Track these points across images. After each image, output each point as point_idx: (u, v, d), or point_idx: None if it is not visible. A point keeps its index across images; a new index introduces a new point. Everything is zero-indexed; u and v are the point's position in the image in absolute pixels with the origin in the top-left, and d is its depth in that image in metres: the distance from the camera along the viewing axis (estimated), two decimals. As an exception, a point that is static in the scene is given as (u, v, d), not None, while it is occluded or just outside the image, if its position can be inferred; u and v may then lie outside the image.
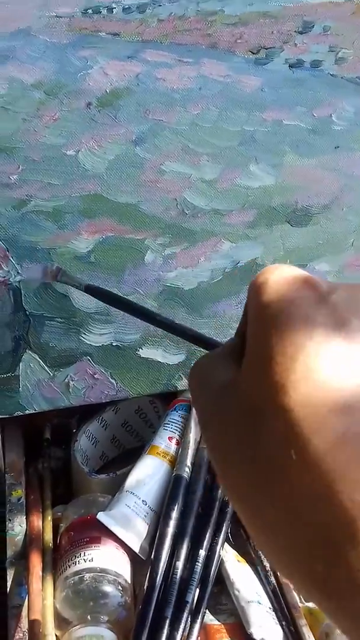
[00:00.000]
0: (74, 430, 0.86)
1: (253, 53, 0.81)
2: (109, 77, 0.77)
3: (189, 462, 0.77)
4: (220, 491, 0.75)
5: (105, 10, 0.76)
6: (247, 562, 0.72)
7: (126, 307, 0.65)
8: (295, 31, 0.81)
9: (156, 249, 0.82)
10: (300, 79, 0.83)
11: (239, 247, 0.84)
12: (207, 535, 0.70)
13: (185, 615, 0.63)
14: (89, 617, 0.63)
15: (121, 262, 0.81)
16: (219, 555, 0.69)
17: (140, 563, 0.70)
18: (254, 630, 0.63)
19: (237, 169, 0.82)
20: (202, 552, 0.68)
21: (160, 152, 0.80)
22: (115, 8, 0.76)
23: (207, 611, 0.67)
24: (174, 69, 0.79)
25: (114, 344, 0.82)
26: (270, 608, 0.67)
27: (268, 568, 0.70)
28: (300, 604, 0.67)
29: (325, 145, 0.84)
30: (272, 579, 0.69)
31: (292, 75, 0.82)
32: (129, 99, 0.78)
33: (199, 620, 0.63)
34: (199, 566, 0.67)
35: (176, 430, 0.81)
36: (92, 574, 0.66)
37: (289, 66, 0.82)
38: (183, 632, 0.62)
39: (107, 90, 0.77)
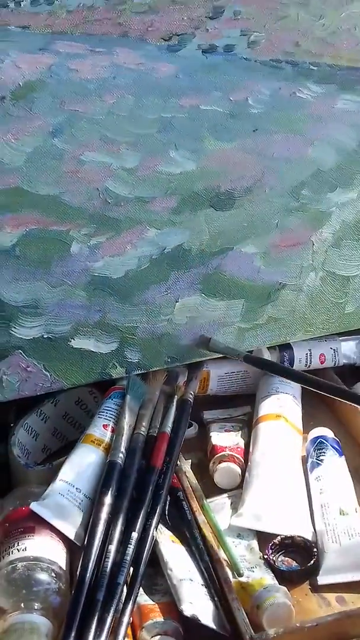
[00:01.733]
0: (12, 425, 0.86)
1: (165, 40, 0.82)
2: (21, 70, 0.77)
3: (123, 448, 0.77)
4: (154, 474, 0.76)
5: (13, 4, 0.76)
6: (181, 542, 0.73)
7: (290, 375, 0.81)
8: (206, 17, 0.82)
9: (81, 239, 0.82)
10: (215, 64, 0.84)
11: (164, 233, 0.85)
12: (140, 518, 0.71)
13: (116, 597, 0.64)
14: (22, 604, 0.63)
15: (47, 255, 0.82)
16: (153, 537, 0.70)
17: (79, 550, 0.71)
18: (185, 606, 0.63)
19: (158, 156, 0.83)
20: (135, 535, 0.69)
21: (78, 143, 0.80)
22: (23, 1, 0.76)
23: (142, 592, 0.68)
24: (86, 60, 0.79)
25: (45, 336, 0.83)
26: (202, 584, 0.68)
27: (201, 546, 0.71)
28: (232, 579, 0.69)
29: (243, 128, 0.86)
30: (205, 556, 0.70)
31: (206, 61, 0.83)
32: (43, 91, 0.78)
33: (131, 602, 0.64)
34: (130, 548, 0.68)
35: (111, 417, 0.82)
36: (25, 563, 0.66)
37: (202, 52, 0.83)
38: (115, 614, 0.63)
39: (21, 84, 0.78)
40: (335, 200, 0.90)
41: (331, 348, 0.97)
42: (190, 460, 0.88)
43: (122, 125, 0.81)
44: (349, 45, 0.87)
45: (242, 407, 0.96)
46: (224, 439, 0.89)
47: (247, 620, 0.63)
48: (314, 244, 0.90)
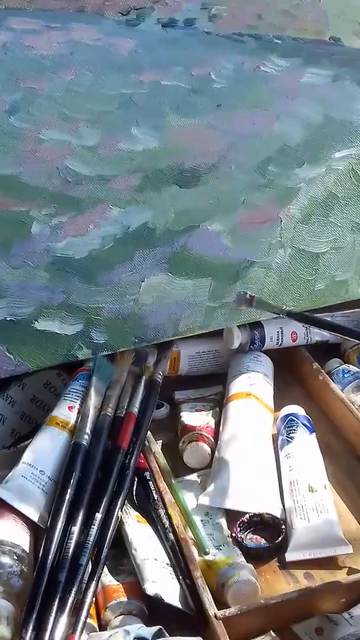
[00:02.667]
0: (-23, 410, 0.85)
1: (123, 14, 0.80)
2: (-25, 47, 0.76)
3: (88, 429, 0.76)
4: (120, 455, 0.75)
5: (-36, -21, 0.74)
6: (148, 522, 0.73)
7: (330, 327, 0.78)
8: (164, -10, 0.81)
9: (42, 219, 0.81)
10: (175, 39, 0.82)
11: (128, 212, 0.84)
12: (105, 499, 0.70)
13: (78, 578, 0.63)
14: (-17, 588, 0.63)
15: (7, 236, 0.80)
16: (117, 518, 0.69)
17: (43, 532, 0.70)
18: (148, 585, 0.63)
19: (119, 133, 0.82)
20: (99, 516, 0.68)
21: (36, 121, 0.79)
22: (-26, -24, 0.75)
23: (107, 572, 0.67)
24: (42, 36, 0.78)
25: (7, 319, 0.82)
26: (167, 564, 0.67)
27: (167, 525, 0.70)
28: (198, 558, 0.68)
29: (206, 104, 0.84)
30: (171, 535, 0.69)
31: (166, 35, 0.82)
32: (-2, 69, 0.77)
33: (94, 582, 0.63)
34: (94, 529, 0.67)
35: (76, 399, 0.81)
36: (-14, 547, 0.65)
37: (162, 26, 0.82)
38: (77, 594, 0.62)
39: (-26, 61, 0.76)
40: (303, 176, 0.88)
41: (303, 325, 0.96)
42: (160, 441, 0.87)
43: (81, 103, 0.80)
44: (314, 18, 0.86)
45: (214, 386, 0.95)
46: (195, 418, 0.88)
47: (212, 598, 0.63)
48: (282, 221, 0.89)
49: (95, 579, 0.64)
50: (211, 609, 0.61)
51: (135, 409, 0.81)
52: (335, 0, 0.87)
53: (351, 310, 0.99)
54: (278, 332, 0.94)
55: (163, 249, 0.86)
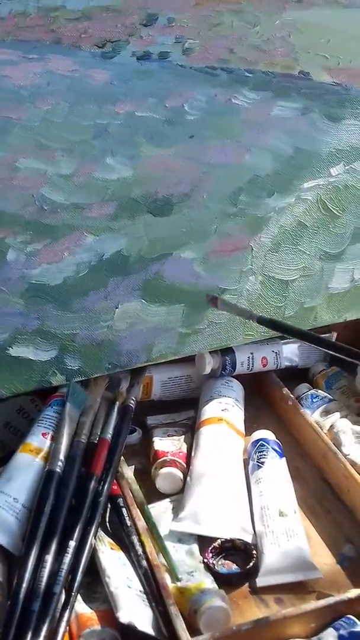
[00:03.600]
0: None
1: (99, 47, 0.82)
2: None
3: (62, 456, 0.77)
4: (93, 482, 0.76)
5: None
6: (121, 548, 0.73)
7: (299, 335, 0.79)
8: (140, 24, 0.83)
9: (17, 246, 0.82)
10: (149, 71, 0.84)
11: (102, 239, 0.85)
12: (79, 527, 0.71)
13: (52, 607, 0.63)
14: None
15: (-18, 262, 0.81)
16: (91, 545, 0.70)
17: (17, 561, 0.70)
18: (121, 614, 0.63)
19: (94, 163, 0.83)
20: (73, 543, 0.69)
21: (12, 149, 0.80)
22: None
23: (80, 600, 0.67)
24: (19, 66, 0.79)
25: (-19, 345, 0.82)
26: (140, 591, 0.68)
27: (140, 552, 0.71)
28: (170, 584, 0.69)
29: (179, 134, 0.86)
30: (144, 562, 0.70)
31: (141, 68, 0.84)
32: (-25, 98, 0.78)
33: (67, 611, 0.64)
34: (67, 557, 0.67)
35: (50, 425, 0.81)
36: None
37: (137, 59, 0.83)
38: (51, 624, 0.62)
39: None
40: (273, 206, 0.91)
41: (273, 351, 0.98)
42: (133, 466, 0.88)
43: (57, 132, 0.81)
44: (284, 52, 0.88)
45: (186, 411, 0.97)
46: (167, 444, 0.89)
47: (184, 625, 0.63)
48: (252, 249, 0.91)
49: (68, 607, 0.64)
50: (184, 635, 0.62)
51: (108, 435, 0.82)
52: (305, 36, 0.89)
53: (322, 335, 1.01)
54: (249, 357, 0.96)
55: (137, 276, 0.87)
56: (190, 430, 0.92)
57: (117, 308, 0.86)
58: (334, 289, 0.96)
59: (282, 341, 0.99)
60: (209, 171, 0.88)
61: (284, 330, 0.84)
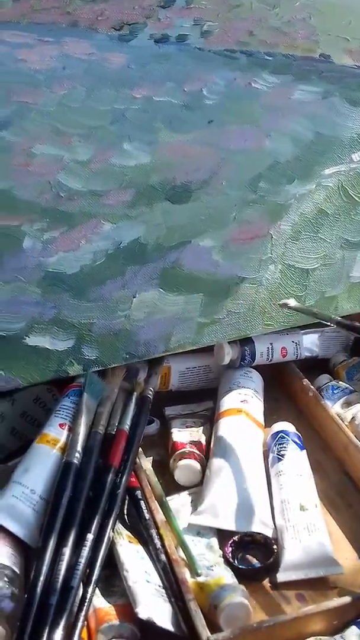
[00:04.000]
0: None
1: (116, 29, 0.80)
2: (-33, 60, 0.75)
3: (79, 447, 0.76)
4: (111, 474, 0.75)
5: None
6: (140, 542, 0.72)
7: None
8: (157, 5, 0.81)
9: (34, 234, 0.80)
10: (167, 54, 0.82)
11: (119, 227, 0.83)
12: (96, 519, 0.69)
13: (70, 601, 0.62)
14: (-27, 612, 0.62)
15: (-2, 251, 0.80)
16: (109, 538, 0.69)
17: (35, 553, 0.69)
18: (140, 609, 0.62)
19: (111, 149, 0.82)
20: (90, 536, 0.67)
21: (28, 135, 0.78)
22: (-33, -10, 0.74)
23: (99, 594, 0.66)
24: (35, 49, 0.77)
25: (-2, 335, 0.81)
26: (159, 585, 0.66)
27: (159, 546, 0.70)
28: (190, 579, 0.67)
29: (198, 120, 0.84)
30: (163, 556, 0.69)
31: (159, 51, 0.82)
32: (-10, 82, 0.76)
33: (85, 605, 0.62)
34: (85, 550, 0.66)
35: (67, 416, 0.80)
36: (-24, 569, 0.65)
37: (155, 41, 0.82)
38: (69, 618, 0.61)
39: (-34, 74, 0.75)
40: (293, 192, 0.89)
41: (293, 341, 0.96)
42: (151, 458, 0.87)
43: (73, 117, 0.79)
44: (304, 35, 0.86)
45: (205, 402, 0.95)
46: (185, 435, 0.87)
47: (204, 621, 0.62)
48: (272, 237, 0.89)
49: (86, 602, 0.63)
50: (204, 632, 0.61)
51: (126, 426, 0.81)
52: (326, 18, 0.87)
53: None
54: (268, 347, 0.94)
55: (155, 264, 0.85)
56: (209, 421, 0.91)
57: (134, 297, 0.85)
58: (355, 278, 0.94)
59: (302, 331, 0.97)
60: (228, 157, 0.86)
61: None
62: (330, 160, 0.89)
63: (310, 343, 0.97)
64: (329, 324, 0.79)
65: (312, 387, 0.92)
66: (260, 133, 0.86)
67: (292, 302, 0.87)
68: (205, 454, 0.84)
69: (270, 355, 0.95)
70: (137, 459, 0.80)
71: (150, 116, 0.82)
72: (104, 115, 0.80)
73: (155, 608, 0.63)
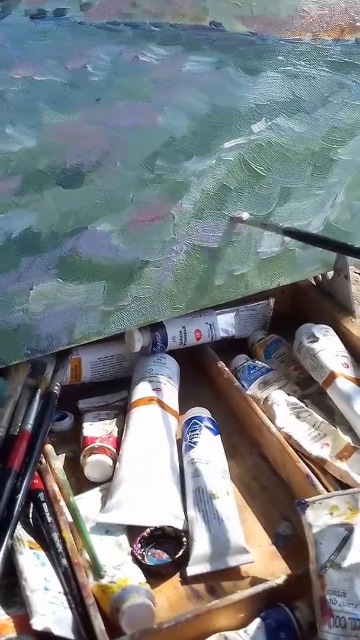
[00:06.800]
0: None
1: (-14, 7, 0.75)
2: None
3: (-24, 453, 0.72)
4: (10, 478, 0.71)
5: None
6: (42, 547, 0.69)
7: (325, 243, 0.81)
8: (29, -21, 0.75)
9: None
10: (46, 30, 0.77)
11: (8, 217, 0.79)
12: (-6, 527, 0.66)
13: None
14: None
15: None
16: (7, 547, 0.65)
17: None
18: (35, 620, 0.59)
19: (-8, 134, 0.77)
20: (-14, 546, 0.64)
21: None
22: None
23: (-3, 606, 0.63)
24: None
25: None
26: (60, 592, 0.63)
27: (60, 550, 0.67)
28: (93, 582, 0.65)
29: (84, 98, 0.80)
30: (64, 560, 0.66)
31: (36, 28, 0.77)
32: None
33: (-21, 620, 0.59)
34: (-21, 562, 0.63)
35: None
36: None
37: (30, 18, 0.76)
38: None
39: None
40: (193, 169, 0.85)
41: (207, 323, 0.94)
42: (64, 455, 0.84)
43: None
44: (192, 2, 0.82)
45: (120, 392, 0.92)
46: (96, 429, 0.84)
47: (103, 626, 0.59)
48: (174, 217, 0.86)
49: (-19, 616, 0.60)
50: (102, 638, 0.58)
51: (29, 426, 0.77)
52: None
53: (255, 303, 0.97)
54: (181, 331, 0.91)
55: (51, 253, 0.81)
56: (123, 412, 0.87)
57: (31, 289, 0.81)
58: (264, 254, 0.91)
59: (216, 312, 0.94)
60: (120, 136, 0.82)
61: (310, 240, 0.85)
62: (229, 133, 0.86)
63: (225, 323, 0.95)
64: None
65: (226, 369, 0.90)
66: (153, 109, 0.82)
67: (245, 215, 0.86)
68: (117, 448, 0.81)
69: (184, 339, 0.92)
70: (46, 459, 0.77)
71: (32, 97, 0.77)
72: (-20, 99, 0.75)
73: (52, 617, 0.60)
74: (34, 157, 0.78)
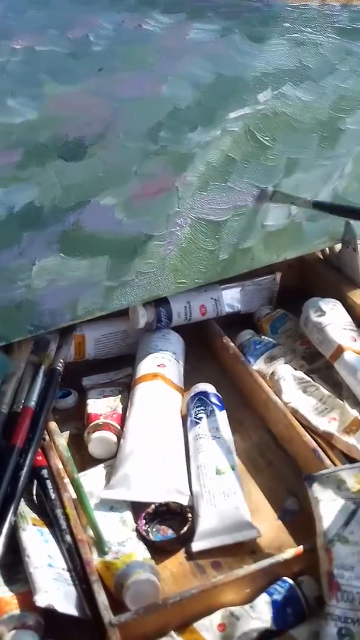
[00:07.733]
0: None
1: (-16, -25, 0.73)
2: None
3: (-21, 430, 0.72)
4: (14, 454, 0.71)
5: None
6: (45, 524, 0.68)
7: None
8: None
9: None
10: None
11: (10, 191, 0.77)
12: (-3, 504, 0.66)
13: (-34, 593, 0.59)
14: None
15: None
16: (10, 523, 0.65)
17: None
18: (39, 597, 0.58)
19: (-8, 106, 0.75)
20: (-10, 522, 0.64)
21: None
22: None
23: (1, 582, 0.63)
24: None
25: None
26: (63, 569, 0.63)
27: (64, 527, 0.66)
28: (97, 559, 0.64)
29: (87, 69, 0.78)
30: (68, 537, 0.65)
31: (35, -5, 0.75)
32: None
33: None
34: (-18, 538, 0.63)
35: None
36: None
37: (31, -14, 0.74)
38: (-35, 611, 0.58)
39: None
40: (197, 140, 0.83)
41: (212, 298, 0.92)
42: (68, 432, 0.83)
43: None
44: (196, -33, 0.79)
45: (124, 369, 0.91)
46: (101, 405, 0.84)
47: (107, 603, 0.59)
48: (178, 190, 0.84)
49: (-15, 592, 0.60)
50: (106, 615, 0.58)
51: (32, 403, 0.77)
52: None
53: (262, 278, 0.96)
54: (185, 307, 0.90)
55: (53, 228, 0.80)
56: (127, 389, 0.87)
57: (34, 265, 0.80)
58: (270, 227, 0.90)
59: (221, 287, 0.92)
60: (123, 107, 0.80)
61: (339, 212, 0.84)
62: (234, 103, 0.84)
63: (231, 298, 0.93)
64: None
65: (232, 344, 0.89)
66: (156, 78, 0.80)
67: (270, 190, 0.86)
68: (121, 424, 0.80)
69: (189, 315, 0.91)
70: (46, 436, 0.76)
71: (33, 68, 0.76)
72: (-20, 70, 0.74)
73: (56, 594, 0.60)
74: (35, 129, 0.77)
